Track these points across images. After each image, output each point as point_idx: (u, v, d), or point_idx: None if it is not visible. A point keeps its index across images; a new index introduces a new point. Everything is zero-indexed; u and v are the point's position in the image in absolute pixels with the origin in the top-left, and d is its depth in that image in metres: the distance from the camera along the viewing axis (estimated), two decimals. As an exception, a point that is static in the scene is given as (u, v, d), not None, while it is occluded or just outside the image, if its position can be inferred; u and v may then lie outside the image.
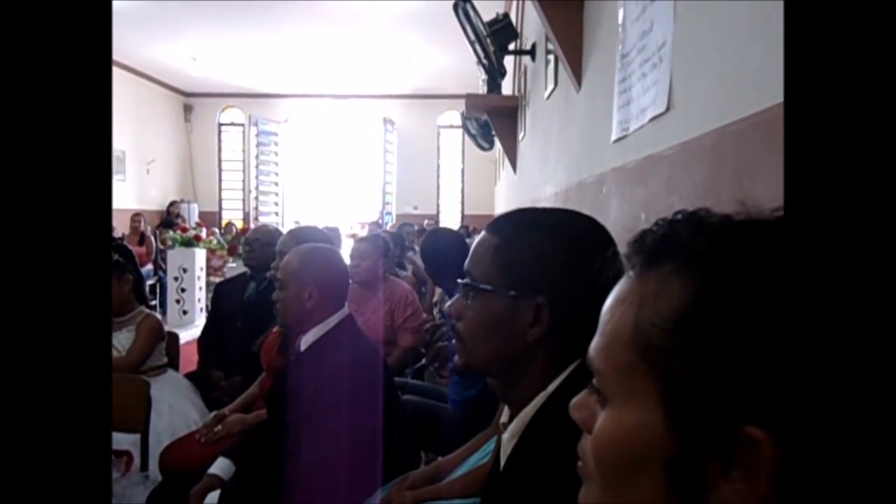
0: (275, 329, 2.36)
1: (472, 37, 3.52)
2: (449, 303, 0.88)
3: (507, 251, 0.81)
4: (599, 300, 0.71)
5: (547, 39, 3.00)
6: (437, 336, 3.22)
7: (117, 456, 1.85)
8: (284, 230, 3.49)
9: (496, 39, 3.49)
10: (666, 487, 0.39)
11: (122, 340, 2.52)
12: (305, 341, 1.78)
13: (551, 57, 2.96)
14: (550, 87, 2.98)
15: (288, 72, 9.66)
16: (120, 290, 2.52)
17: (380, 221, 9.96)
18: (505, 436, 0.82)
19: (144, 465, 1.99)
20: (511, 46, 3.89)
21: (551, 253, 0.79)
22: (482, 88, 4.80)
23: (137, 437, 2.05)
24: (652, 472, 0.40)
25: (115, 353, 2.45)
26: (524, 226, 0.83)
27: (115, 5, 6.44)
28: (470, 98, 4.83)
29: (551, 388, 0.78)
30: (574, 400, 0.49)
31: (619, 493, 0.42)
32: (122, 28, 7.28)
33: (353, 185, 12.05)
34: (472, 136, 8.00)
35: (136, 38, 7.77)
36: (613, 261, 0.82)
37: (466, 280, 0.83)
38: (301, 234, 2.50)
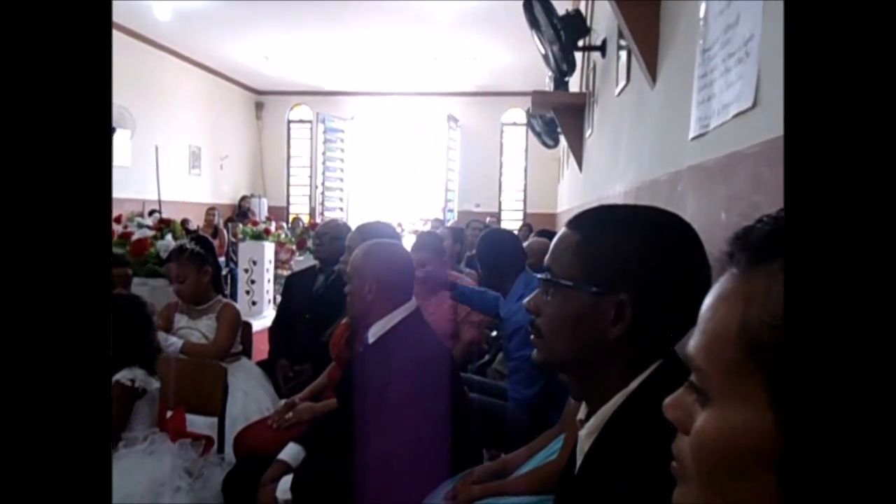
0: (343, 321, 2.41)
1: (542, 33, 3.48)
2: (527, 298, 0.88)
3: (589, 247, 0.80)
4: (684, 298, 0.70)
5: (619, 35, 2.94)
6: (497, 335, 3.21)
7: (196, 439, 1.94)
8: (351, 225, 3.56)
9: (566, 35, 3.44)
10: (777, 488, 0.38)
11: (203, 328, 2.63)
12: (373, 334, 1.81)
13: (623, 53, 2.90)
14: (622, 83, 2.93)
15: (355, 70, 9.83)
16: (200, 280, 2.64)
17: (442, 218, 10.02)
18: (582, 433, 0.82)
19: (221, 448, 2.07)
20: (581, 43, 3.84)
21: (635, 249, 0.78)
22: (549, 85, 4.76)
23: (215, 420, 2.14)
24: (761, 472, 0.39)
25: (197, 339, 2.57)
26: (607, 222, 0.83)
27: (194, 6, 6.73)
28: (536, 95, 4.80)
29: (632, 386, 0.78)
30: (669, 399, 0.49)
31: (724, 494, 0.42)
32: (200, 28, 7.59)
33: (415, 181, 12.16)
34: (537, 134, 7.94)
35: (213, 38, 8.08)
36: (700, 258, 0.80)
37: (546, 276, 0.83)
38: (368, 230, 2.55)
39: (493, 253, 2.48)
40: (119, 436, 1.81)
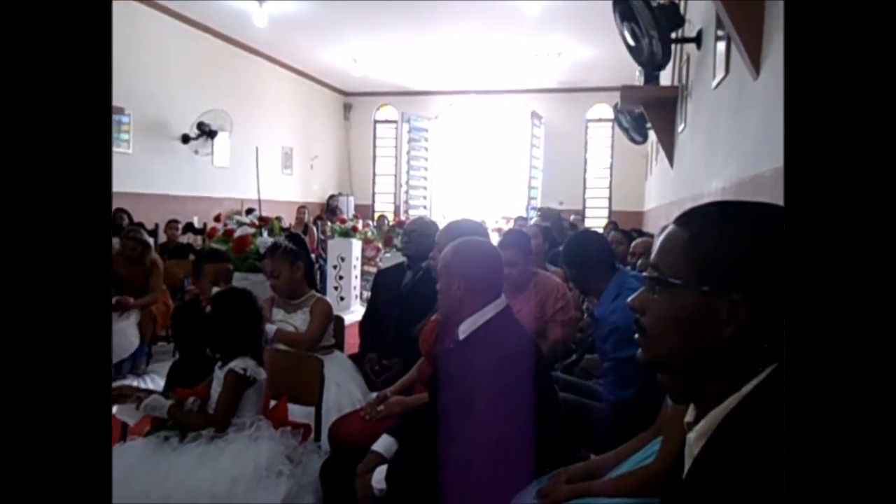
0: (433, 317, 2.45)
1: (639, 24, 3.40)
2: (632, 297, 0.86)
3: (699, 245, 0.78)
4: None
5: (717, 25, 2.83)
6: (586, 334, 3.16)
7: (295, 427, 2.03)
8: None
9: (660, 28, 3.34)
10: None
11: (297, 321, 2.74)
12: (463, 331, 1.83)
13: (722, 44, 2.78)
14: (720, 75, 2.81)
15: (439, 69, 9.93)
16: (293, 276, 2.75)
17: (525, 216, 9.96)
18: (691, 435, 0.80)
19: (318, 437, 2.16)
20: (674, 35, 3.71)
21: (749, 247, 0.75)
22: (639, 80, 4.63)
23: (310, 410, 2.23)
24: None
25: (295, 329, 2.69)
26: (718, 218, 0.80)
27: (289, 13, 7.01)
28: (625, 90, 4.68)
29: (746, 389, 0.75)
30: None
31: None
32: (293, 34, 7.90)
33: (498, 179, 12.14)
34: (624, 130, 7.75)
35: (305, 42, 8.38)
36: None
37: (654, 274, 0.82)
38: (457, 227, 2.57)
39: (580, 255, 2.46)
40: (229, 420, 1.92)
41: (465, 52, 8.90)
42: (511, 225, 8.48)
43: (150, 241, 5.01)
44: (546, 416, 1.75)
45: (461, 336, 1.82)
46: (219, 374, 1.99)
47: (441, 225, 3.55)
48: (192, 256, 5.84)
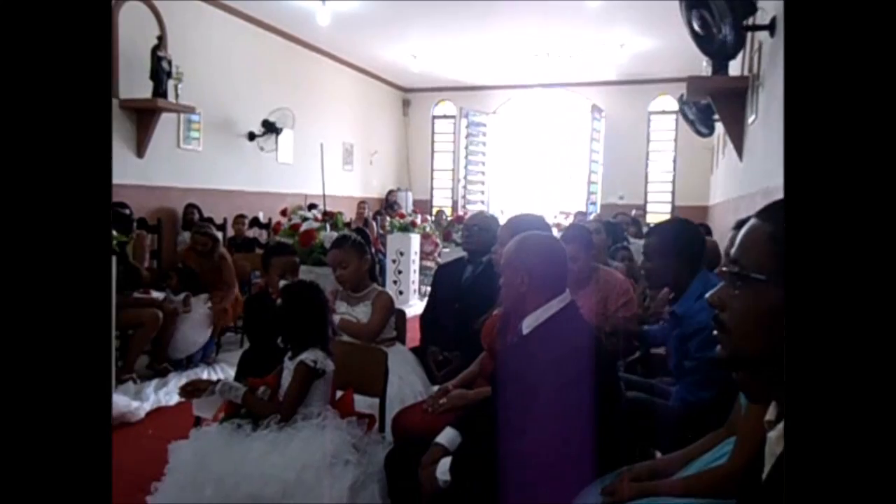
0: (495, 311, 2.45)
1: (711, 10, 3.29)
2: (710, 292, 0.85)
3: (783, 239, 0.76)
4: None
5: (793, 11, 2.70)
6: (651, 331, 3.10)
7: (360, 417, 2.07)
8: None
9: (734, 15, 3.23)
10: None
11: (360, 314, 2.80)
12: (527, 325, 1.82)
13: (798, 30, 2.66)
14: (795, 63, 2.69)
15: (498, 64, 9.88)
16: (360, 268, 2.81)
17: (584, 211, 9.82)
18: (773, 434, 0.78)
19: (382, 427, 2.20)
20: (745, 22, 3.58)
21: None
22: (706, 70, 4.48)
23: (373, 400, 2.27)
24: None
25: (355, 321, 2.75)
26: None
27: (351, 10, 7.12)
28: (692, 81, 4.53)
29: (834, 389, 0.72)
30: None
31: None
32: (354, 31, 8.02)
33: (557, 174, 12.00)
34: (690, 122, 7.52)
35: (365, 39, 8.50)
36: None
37: (735, 269, 0.80)
38: (519, 222, 2.56)
39: (671, 246, 2.24)
40: (296, 410, 1.98)
41: (524, 46, 8.82)
42: (570, 220, 8.38)
43: (220, 236, 5.20)
44: (610, 414, 1.73)
45: (525, 331, 1.82)
46: (289, 365, 2.05)
47: (500, 220, 3.56)
48: (258, 250, 6.03)
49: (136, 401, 3.79)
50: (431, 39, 8.55)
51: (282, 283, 2.63)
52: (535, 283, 1.79)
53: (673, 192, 10.95)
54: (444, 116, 12.10)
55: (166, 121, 6.09)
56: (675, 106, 9.41)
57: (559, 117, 11.78)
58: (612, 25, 7.74)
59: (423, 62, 9.46)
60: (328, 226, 4.57)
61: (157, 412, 3.81)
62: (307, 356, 1.99)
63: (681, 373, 2.24)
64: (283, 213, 5.02)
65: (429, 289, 7.92)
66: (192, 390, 2.12)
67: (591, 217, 9.15)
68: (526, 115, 11.91)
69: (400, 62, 9.60)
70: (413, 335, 3.37)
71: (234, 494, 1.77)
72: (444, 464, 1.76)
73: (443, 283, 3.50)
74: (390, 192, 11.02)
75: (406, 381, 2.66)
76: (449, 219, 8.45)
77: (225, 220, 6.74)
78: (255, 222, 6.95)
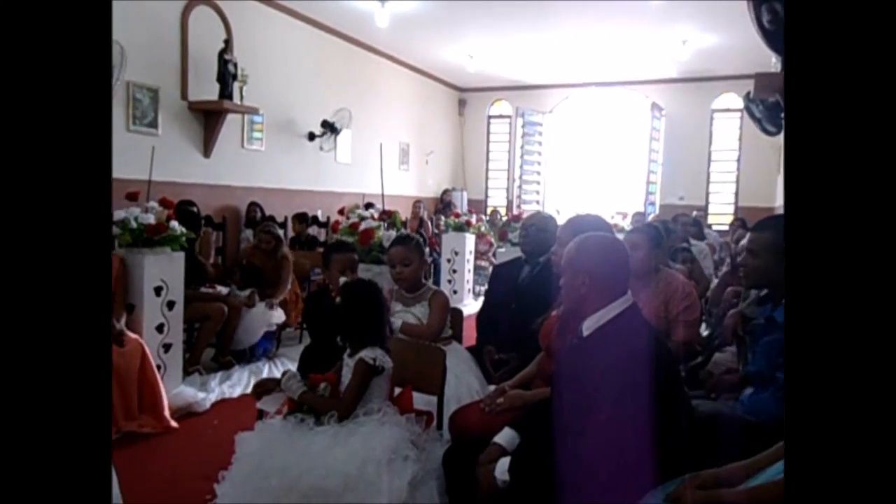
0: (554, 312, 2.43)
1: (777, 5, 3.17)
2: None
3: None
4: None
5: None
6: (713, 336, 3.01)
7: (419, 414, 2.10)
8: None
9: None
10: None
11: (417, 313, 2.82)
12: (587, 327, 1.80)
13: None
14: (874, 59, 2.56)
15: (555, 63, 9.79)
16: (420, 269, 2.84)
17: (643, 211, 9.62)
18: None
19: (439, 425, 2.22)
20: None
21: None
22: (775, 66, 4.32)
23: (433, 399, 2.29)
24: None
25: (415, 321, 2.78)
26: None
27: (409, 12, 7.19)
28: (760, 77, 4.36)
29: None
30: None
31: None
32: (412, 32, 8.09)
33: (615, 174, 11.79)
34: (756, 120, 7.25)
35: (423, 40, 8.56)
36: None
37: None
38: (580, 222, 2.53)
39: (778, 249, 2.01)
40: (355, 407, 2.02)
41: (582, 45, 8.71)
42: (628, 220, 8.22)
43: (282, 234, 5.36)
44: (673, 420, 1.69)
45: (584, 332, 1.80)
46: (349, 362, 2.09)
47: (557, 220, 3.52)
48: (318, 248, 6.17)
49: (202, 392, 3.94)
50: (488, 39, 8.54)
51: (342, 279, 2.68)
52: (595, 285, 1.77)
53: (736, 193, 10.60)
54: (500, 116, 12.06)
55: (231, 122, 6.30)
56: (741, 103, 9.10)
57: (617, 116, 11.57)
58: (674, 22, 7.55)
59: (479, 62, 9.46)
60: (385, 225, 4.63)
61: (222, 403, 3.95)
62: (366, 354, 2.03)
63: (765, 383, 2.13)
64: (341, 211, 5.12)
65: (483, 288, 7.97)
66: (261, 391, 2.22)
67: (650, 218, 8.96)
68: (583, 113, 11.74)
69: (456, 62, 9.62)
70: (469, 334, 3.38)
71: (298, 486, 1.81)
72: (503, 463, 1.76)
73: (499, 283, 3.50)
74: (445, 191, 11.07)
75: (463, 381, 2.67)
76: (504, 218, 8.41)
77: (286, 218, 6.92)
78: (314, 221, 7.11)
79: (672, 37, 8.13)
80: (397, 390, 2.20)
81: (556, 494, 1.61)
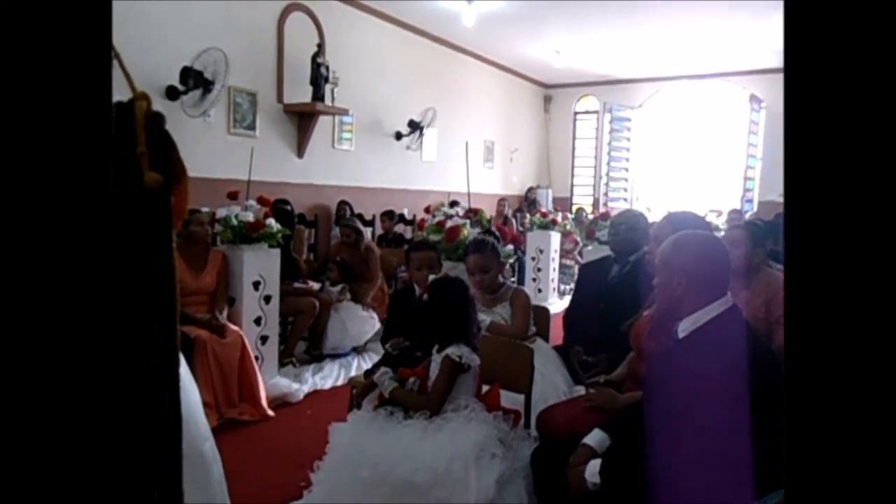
0: (646, 312, 2.37)
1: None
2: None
3: None
4: None
5: None
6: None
7: (506, 413, 2.10)
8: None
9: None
10: None
11: (502, 313, 2.82)
12: (683, 329, 1.75)
13: None
14: None
15: (645, 57, 9.48)
16: (499, 272, 2.84)
17: (740, 209, 9.16)
18: None
19: (527, 423, 2.21)
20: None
21: None
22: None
23: (520, 397, 2.29)
24: None
25: (502, 321, 2.78)
26: None
27: (495, 10, 7.18)
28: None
29: None
30: None
31: None
32: (498, 30, 8.07)
33: (709, 170, 11.28)
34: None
35: (508, 37, 8.53)
36: None
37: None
38: (677, 219, 2.45)
39: None
40: (442, 403, 2.05)
41: (673, 37, 8.38)
42: (723, 219, 7.86)
43: (363, 227, 5.51)
44: (775, 431, 1.60)
45: (680, 334, 1.74)
46: (436, 358, 2.12)
47: (649, 219, 3.42)
48: (405, 246, 6.29)
49: (295, 383, 4.12)
50: (575, 34, 8.38)
51: (430, 277, 2.71)
52: (692, 285, 1.70)
53: (844, 189, 9.89)
54: (587, 112, 11.82)
55: (323, 123, 6.52)
56: (850, 93, 8.47)
57: (712, 109, 11.06)
58: (775, 10, 7.13)
59: (565, 57, 9.31)
60: (470, 222, 4.66)
61: (314, 394, 4.11)
62: (452, 351, 2.04)
63: None
64: (427, 209, 5.19)
65: (568, 287, 7.86)
66: (361, 391, 2.32)
67: (748, 216, 8.51)
68: (675, 107, 11.31)
69: (542, 58, 9.51)
70: (555, 333, 3.35)
71: (388, 477, 1.86)
72: (593, 465, 1.73)
73: (587, 282, 3.43)
74: (530, 189, 10.98)
75: (549, 379, 2.65)
76: (590, 216, 8.26)
77: (373, 216, 7.09)
78: (400, 218, 7.25)
79: (771, 25, 7.68)
80: (485, 388, 2.21)
81: (648, 501, 1.57)
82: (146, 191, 0.75)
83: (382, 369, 2.18)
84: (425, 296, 2.77)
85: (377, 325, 4.97)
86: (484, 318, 2.68)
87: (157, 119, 0.79)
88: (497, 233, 4.09)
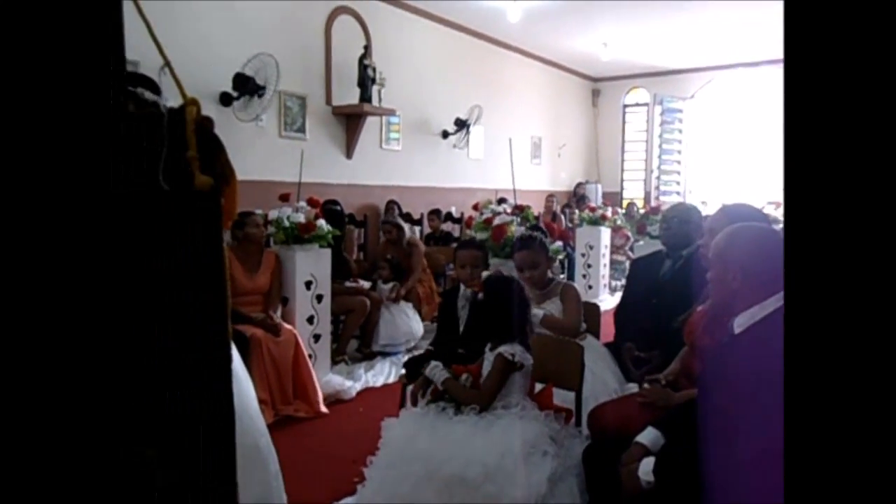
0: (700, 307, 2.31)
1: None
2: None
3: None
4: None
5: None
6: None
7: (558, 411, 2.08)
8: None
9: None
10: None
11: (552, 308, 2.80)
12: (739, 324, 1.70)
13: None
14: None
15: (697, 45, 9.22)
16: (548, 267, 2.82)
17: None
18: None
19: (578, 422, 2.19)
20: None
21: None
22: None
23: (571, 395, 2.26)
24: None
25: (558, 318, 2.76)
26: None
27: (540, 4, 7.12)
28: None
29: None
30: None
31: None
32: (543, 24, 8.00)
33: (767, 161, 10.88)
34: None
35: (554, 31, 8.43)
36: None
37: None
38: (733, 212, 2.37)
39: None
40: (493, 401, 2.05)
41: (727, 24, 8.12)
42: (780, 212, 7.58)
43: (403, 223, 5.56)
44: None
45: (736, 330, 1.70)
46: (489, 356, 2.12)
47: (703, 212, 3.33)
48: (452, 244, 6.31)
49: (348, 381, 4.19)
50: (623, 25, 8.22)
51: (484, 274, 2.71)
52: (748, 279, 1.66)
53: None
54: (636, 104, 11.59)
55: (370, 124, 6.60)
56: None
57: (769, 98, 10.66)
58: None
59: (613, 49, 9.15)
60: (517, 220, 4.63)
61: (366, 392, 4.17)
62: (505, 349, 2.04)
63: None
64: (475, 207, 5.19)
65: (618, 283, 7.73)
66: (419, 386, 2.35)
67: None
68: (729, 97, 10.95)
69: (589, 51, 9.37)
70: (606, 330, 3.30)
71: (440, 472, 1.87)
72: (647, 464, 1.70)
73: (639, 277, 3.38)
74: (578, 184, 10.84)
75: (599, 377, 2.61)
76: (642, 211, 8.09)
77: (422, 215, 7.13)
78: (448, 217, 7.27)
79: (833, 6, 7.35)
80: (538, 387, 2.20)
81: (703, 501, 1.53)
82: (197, 192, 0.78)
83: (433, 363, 2.20)
84: (468, 293, 2.79)
85: (421, 330, 5.02)
86: (537, 311, 2.66)
87: (207, 123, 0.81)
88: (544, 229, 4.06)
